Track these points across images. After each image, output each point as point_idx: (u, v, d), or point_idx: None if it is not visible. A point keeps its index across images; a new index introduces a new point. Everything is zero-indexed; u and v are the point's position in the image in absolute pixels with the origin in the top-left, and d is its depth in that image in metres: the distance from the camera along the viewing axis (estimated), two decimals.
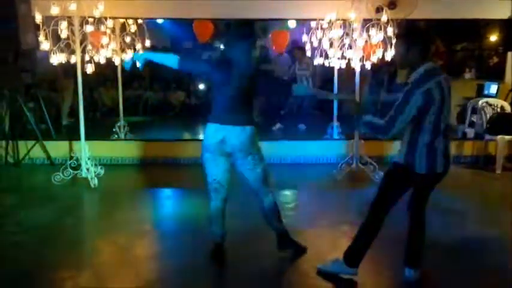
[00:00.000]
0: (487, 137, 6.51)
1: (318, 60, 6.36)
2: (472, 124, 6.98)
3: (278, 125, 8.44)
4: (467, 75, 8.83)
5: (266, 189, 3.55)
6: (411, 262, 3.29)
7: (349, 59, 5.91)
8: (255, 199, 3.61)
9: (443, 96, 2.94)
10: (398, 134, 3.04)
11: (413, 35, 3.15)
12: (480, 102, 6.75)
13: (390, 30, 5.55)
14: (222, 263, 3.59)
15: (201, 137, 8.24)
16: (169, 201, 5.47)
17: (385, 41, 5.64)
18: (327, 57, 6.24)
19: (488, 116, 6.55)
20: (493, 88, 7.10)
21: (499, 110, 6.56)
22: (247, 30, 3.71)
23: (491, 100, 6.73)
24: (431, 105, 2.91)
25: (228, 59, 3.40)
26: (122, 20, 6.42)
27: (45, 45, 5.20)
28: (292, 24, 7.99)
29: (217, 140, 3.40)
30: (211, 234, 3.66)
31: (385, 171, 3.33)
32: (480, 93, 7.31)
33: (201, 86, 10.14)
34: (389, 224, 3.25)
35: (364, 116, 3.11)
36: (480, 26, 8.82)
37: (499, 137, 6.29)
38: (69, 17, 5.22)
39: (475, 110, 6.93)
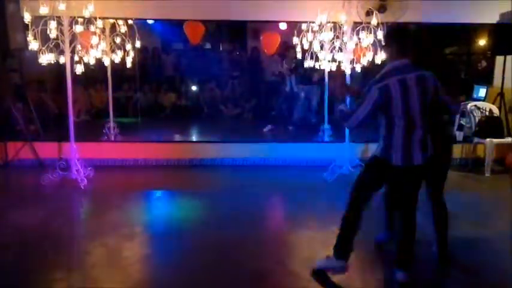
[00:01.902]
0: (476, 140, 6.57)
1: (308, 63, 6.37)
2: (461, 127, 7.03)
3: (269, 127, 8.45)
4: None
5: None
6: (401, 264, 3.30)
7: (339, 62, 5.93)
8: None
9: (407, 93, 3.03)
10: (359, 126, 3.17)
11: (389, 34, 3.37)
12: (469, 106, 6.81)
13: (380, 34, 5.58)
14: None
15: (193, 138, 8.34)
16: (159, 203, 5.44)
17: (375, 44, 5.68)
18: (317, 59, 6.26)
19: (477, 119, 6.61)
20: (482, 91, 7.16)
21: (487, 113, 6.62)
22: None
23: (480, 103, 6.79)
24: (389, 101, 3.03)
25: None
26: (112, 21, 6.38)
27: (34, 45, 5.15)
28: (283, 26, 8.02)
29: None
30: None
31: (365, 164, 3.43)
32: (469, 96, 7.37)
33: (193, 88, 10.14)
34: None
35: (339, 105, 3.32)
36: (469, 30, 8.89)
37: (487, 140, 6.35)
38: (59, 17, 5.18)
39: (464, 113, 6.98)
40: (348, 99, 3.37)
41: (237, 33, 10.64)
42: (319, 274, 3.36)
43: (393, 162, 3.15)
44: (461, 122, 6.97)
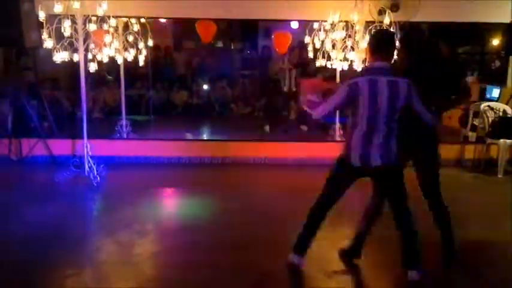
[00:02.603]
0: (489, 140, 6.51)
1: (320, 62, 6.36)
2: (473, 128, 6.98)
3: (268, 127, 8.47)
4: (470, 79, 8.84)
5: None
6: (407, 263, 3.30)
7: (351, 61, 5.92)
8: None
9: (375, 94, 3.06)
10: (326, 116, 3.31)
11: (372, 36, 3.47)
12: (482, 106, 6.76)
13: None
14: None
15: (204, 136, 8.38)
16: (171, 201, 5.48)
17: None
18: (329, 58, 6.25)
19: (490, 119, 6.56)
20: (495, 92, 7.11)
21: (501, 113, 6.57)
22: None
23: (493, 104, 6.74)
24: (356, 98, 3.08)
25: None
26: (125, 19, 6.43)
27: (48, 43, 5.21)
28: (295, 25, 8.03)
29: None
30: None
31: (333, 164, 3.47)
32: (482, 97, 7.32)
33: (204, 86, 10.18)
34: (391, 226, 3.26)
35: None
36: (483, 30, 8.82)
37: (500, 140, 6.29)
38: (73, 16, 5.23)
39: (477, 114, 6.94)
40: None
41: (249, 32, 10.66)
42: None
43: (351, 162, 3.21)
44: (474, 122, 6.92)
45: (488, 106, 6.70)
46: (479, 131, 6.80)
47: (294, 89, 8.97)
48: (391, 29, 5.57)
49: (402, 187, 3.31)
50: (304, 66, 8.85)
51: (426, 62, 3.47)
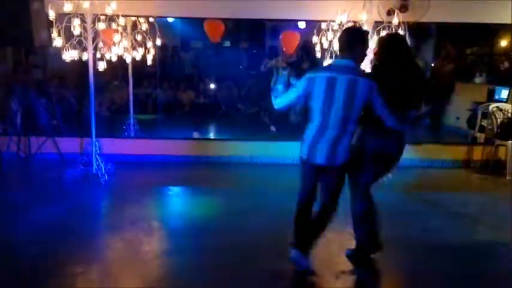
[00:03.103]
0: (497, 142, 6.48)
1: (328, 61, 6.34)
2: (482, 129, 6.94)
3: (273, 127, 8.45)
4: (478, 80, 8.80)
5: None
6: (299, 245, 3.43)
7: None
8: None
9: (331, 92, 3.07)
10: (285, 107, 3.38)
11: (341, 32, 3.42)
12: (491, 107, 6.72)
13: (401, 33, 5.54)
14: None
15: (210, 136, 8.39)
16: (178, 199, 5.49)
17: None
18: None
19: (498, 121, 6.52)
20: (504, 93, 7.06)
21: (509, 115, 6.53)
22: None
23: (502, 105, 6.70)
24: (311, 93, 3.13)
25: None
26: (133, 18, 6.46)
27: (57, 42, 5.25)
28: (302, 25, 8.02)
29: None
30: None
31: None
32: (491, 98, 7.27)
33: (211, 86, 10.20)
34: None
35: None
36: (491, 31, 8.75)
37: (509, 142, 6.26)
38: (82, 15, 5.27)
39: (485, 115, 6.90)
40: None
41: (256, 31, 10.65)
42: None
43: (301, 155, 3.32)
44: (483, 123, 6.89)
45: (497, 107, 6.67)
46: (488, 132, 6.76)
47: None
48: (400, 30, 5.55)
49: (340, 185, 3.36)
50: (296, 64, 8.83)
51: (396, 64, 3.33)
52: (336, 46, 6.03)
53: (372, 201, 3.45)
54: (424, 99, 3.45)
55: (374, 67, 3.54)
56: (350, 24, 5.79)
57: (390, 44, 3.39)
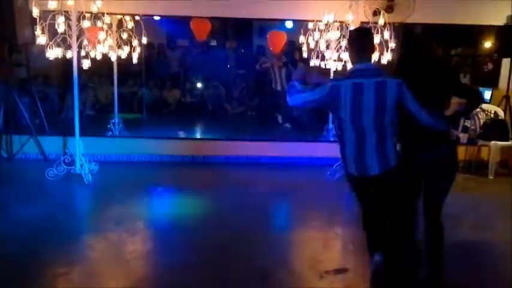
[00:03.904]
0: (480, 142, 6.56)
1: (314, 62, 6.36)
2: (465, 129, 7.02)
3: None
4: (462, 81, 8.88)
5: None
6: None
7: (345, 61, 5.93)
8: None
9: (360, 97, 2.90)
10: (300, 107, 3.16)
11: (350, 35, 3.26)
12: None
13: (387, 34, 5.58)
14: None
15: (196, 135, 8.36)
16: (162, 199, 5.46)
17: (382, 44, 5.67)
18: (323, 58, 6.26)
19: (481, 121, 6.60)
20: (487, 94, 7.14)
21: (492, 115, 6.60)
22: None
23: (485, 106, 6.77)
24: (337, 102, 2.92)
25: None
26: (119, 16, 6.39)
27: (41, 39, 5.17)
28: (289, 24, 8.03)
29: None
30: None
31: None
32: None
33: (198, 85, 10.16)
34: None
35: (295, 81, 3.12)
36: (476, 32, 8.86)
37: (492, 142, 6.34)
38: (66, 12, 5.20)
39: (468, 116, 6.97)
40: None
41: (243, 31, 10.64)
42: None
43: (349, 172, 3.03)
44: (466, 124, 6.96)
45: (480, 108, 6.74)
46: (471, 133, 6.83)
47: (279, 88, 8.94)
48: (386, 30, 5.59)
49: (406, 200, 3.07)
50: (287, 64, 8.87)
51: (418, 62, 3.21)
52: (322, 46, 6.08)
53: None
54: (451, 94, 3.22)
55: (398, 65, 3.39)
56: (337, 25, 5.83)
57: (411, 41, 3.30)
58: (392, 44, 5.70)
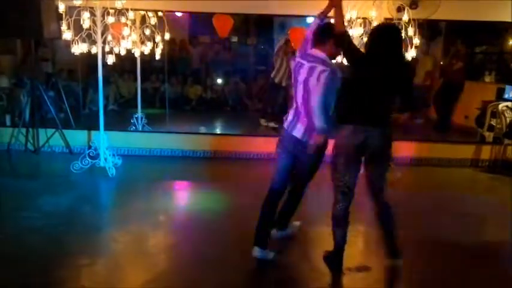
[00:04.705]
0: (506, 141, 6.43)
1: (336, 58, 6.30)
2: (491, 128, 6.90)
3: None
4: (487, 79, 8.73)
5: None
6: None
7: None
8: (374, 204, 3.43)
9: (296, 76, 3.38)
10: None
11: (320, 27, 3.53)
12: (500, 106, 6.67)
13: (411, 30, 5.51)
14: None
15: (217, 131, 8.40)
16: (184, 193, 5.50)
17: (406, 41, 5.60)
18: None
19: (508, 120, 6.48)
20: None
21: None
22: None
23: (511, 104, 6.64)
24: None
25: None
26: (142, 12, 6.46)
27: (67, 34, 5.26)
28: (310, 21, 7.96)
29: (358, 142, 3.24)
30: (335, 236, 3.43)
31: None
32: (500, 97, 7.22)
33: (219, 81, 10.20)
34: None
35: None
36: (501, 29, 8.68)
37: None
38: (92, 8, 5.28)
39: (494, 114, 6.85)
40: None
41: (264, 27, 10.62)
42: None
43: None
44: (492, 122, 6.84)
45: (507, 106, 6.62)
46: (497, 132, 6.71)
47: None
48: (410, 27, 5.52)
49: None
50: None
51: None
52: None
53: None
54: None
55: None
56: (360, 21, 5.77)
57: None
58: (416, 41, 5.62)
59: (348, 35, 3.42)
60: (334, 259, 3.43)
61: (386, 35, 3.23)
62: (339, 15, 3.35)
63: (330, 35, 3.35)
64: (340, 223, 3.36)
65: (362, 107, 3.21)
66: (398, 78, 3.19)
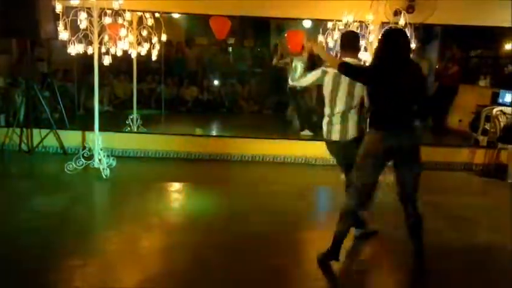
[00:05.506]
0: (500, 145, 6.47)
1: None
2: (485, 132, 6.94)
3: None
4: (482, 83, 8.78)
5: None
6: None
7: (364, 61, 5.89)
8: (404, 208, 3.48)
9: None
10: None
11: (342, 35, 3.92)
12: (494, 111, 6.71)
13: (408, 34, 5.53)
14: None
15: (213, 132, 8.39)
16: (178, 195, 5.49)
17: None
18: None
19: (502, 124, 6.51)
20: (508, 97, 7.06)
21: None
22: None
23: (505, 109, 6.69)
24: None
25: None
26: (139, 13, 6.46)
27: (63, 35, 5.25)
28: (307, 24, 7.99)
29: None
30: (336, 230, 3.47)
31: None
32: (494, 101, 7.27)
33: (215, 82, 10.20)
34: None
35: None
36: (496, 34, 8.74)
37: (511, 146, 6.25)
38: (89, 8, 5.27)
39: (488, 118, 6.89)
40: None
41: (261, 29, 10.65)
42: None
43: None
44: (486, 126, 6.88)
45: (501, 111, 6.66)
46: (491, 136, 6.75)
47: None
48: (406, 30, 5.54)
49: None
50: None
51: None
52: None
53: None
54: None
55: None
56: (357, 25, 5.80)
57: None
58: (412, 44, 5.64)
59: (346, 64, 3.46)
60: (330, 250, 3.44)
61: (398, 39, 3.30)
62: (324, 56, 3.74)
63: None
64: (344, 219, 3.41)
65: (391, 112, 3.29)
66: (415, 79, 3.28)
